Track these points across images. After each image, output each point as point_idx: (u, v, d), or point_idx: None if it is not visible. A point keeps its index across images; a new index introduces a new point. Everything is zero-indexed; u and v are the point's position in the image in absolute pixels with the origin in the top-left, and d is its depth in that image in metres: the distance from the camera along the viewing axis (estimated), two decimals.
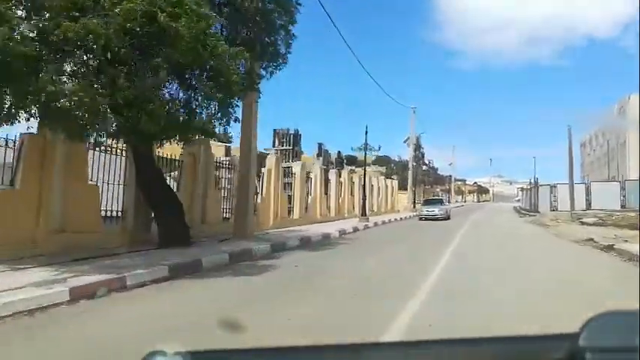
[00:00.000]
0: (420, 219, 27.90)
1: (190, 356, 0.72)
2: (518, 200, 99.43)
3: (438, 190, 77.30)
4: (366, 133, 27.36)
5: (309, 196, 21.89)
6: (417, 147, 71.04)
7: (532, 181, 45.08)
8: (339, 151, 48.14)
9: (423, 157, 70.45)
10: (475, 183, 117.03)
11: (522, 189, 65.49)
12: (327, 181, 24.64)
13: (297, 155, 35.65)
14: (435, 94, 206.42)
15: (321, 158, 37.14)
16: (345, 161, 43.81)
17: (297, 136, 39.48)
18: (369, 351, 0.84)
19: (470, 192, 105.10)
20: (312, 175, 22.25)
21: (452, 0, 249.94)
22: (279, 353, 0.87)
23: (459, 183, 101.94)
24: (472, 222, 25.90)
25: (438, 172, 73.89)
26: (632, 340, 0.67)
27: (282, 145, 37.50)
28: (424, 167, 70.00)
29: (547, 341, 0.76)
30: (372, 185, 33.22)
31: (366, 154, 29.91)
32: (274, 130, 39.43)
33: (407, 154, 66.53)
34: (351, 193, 28.85)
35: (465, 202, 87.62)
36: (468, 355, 0.77)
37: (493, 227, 22.70)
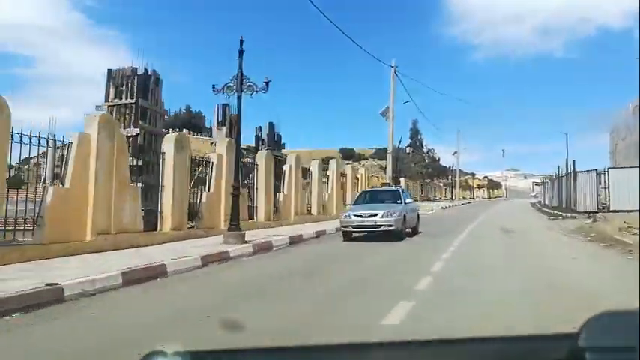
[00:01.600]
0: (346, 236, 13.93)
1: (190, 356, 0.73)
2: (535, 196, 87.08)
3: (440, 184, 65.26)
4: None
5: None
6: (415, 133, 59.24)
7: (559, 171, 32.61)
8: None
9: (421, 145, 58.57)
10: (485, 177, 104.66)
11: (542, 181, 53.13)
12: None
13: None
14: (445, 89, 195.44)
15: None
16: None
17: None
18: (369, 350, 0.86)
19: (479, 187, 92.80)
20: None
21: None
22: (279, 353, 0.88)
23: (467, 177, 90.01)
24: (463, 245, 12.23)
25: (441, 163, 61.91)
26: (631, 339, 0.67)
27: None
28: (426, 159, 58.08)
29: (547, 341, 0.77)
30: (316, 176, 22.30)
31: None
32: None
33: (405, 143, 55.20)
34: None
35: (473, 198, 75.60)
36: (468, 355, 0.77)
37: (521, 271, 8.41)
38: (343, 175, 27.47)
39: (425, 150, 58.24)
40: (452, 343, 0.80)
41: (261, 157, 18.22)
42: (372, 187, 24.79)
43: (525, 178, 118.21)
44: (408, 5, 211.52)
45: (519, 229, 16.56)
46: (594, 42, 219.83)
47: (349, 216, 13.87)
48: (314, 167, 21.92)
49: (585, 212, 22.10)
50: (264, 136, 21.61)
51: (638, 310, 0.70)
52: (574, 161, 26.12)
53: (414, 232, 15.09)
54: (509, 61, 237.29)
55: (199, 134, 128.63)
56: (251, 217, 16.84)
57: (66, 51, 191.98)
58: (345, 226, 13.80)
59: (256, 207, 17.47)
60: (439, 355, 0.78)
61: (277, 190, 19.16)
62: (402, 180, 46.49)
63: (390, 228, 13.19)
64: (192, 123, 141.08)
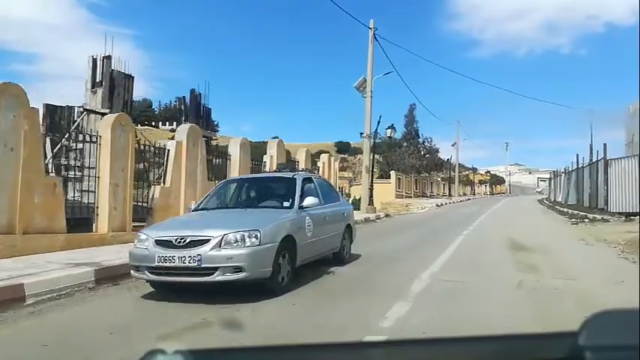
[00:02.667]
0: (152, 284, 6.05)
1: (190, 355, 0.71)
2: (541, 192, 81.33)
3: (438, 179, 59.55)
4: None
5: None
6: (411, 121, 53.64)
7: (578, 160, 26.17)
8: None
9: (417, 134, 52.82)
10: (488, 172, 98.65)
11: (551, 176, 47.39)
12: None
13: None
14: (449, 86, 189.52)
15: None
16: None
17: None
18: (368, 349, 0.83)
19: (481, 182, 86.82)
20: None
21: None
22: (278, 352, 0.87)
23: (468, 172, 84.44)
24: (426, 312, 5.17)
25: (440, 156, 56.09)
26: (632, 338, 0.67)
27: None
28: (422, 150, 52.35)
29: (547, 340, 0.77)
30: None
31: None
32: None
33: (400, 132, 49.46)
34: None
35: (474, 194, 69.74)
36: (468, 354, 0.77)
37: None
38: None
39: (421, 140, 52.30)
40: (452, 342, 0.79)
41: (183, 130, 12.65)
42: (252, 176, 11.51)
43: (530, 173, 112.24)
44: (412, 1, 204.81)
45: (539, 245, 10.19)
46: (601, 39, 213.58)
47: (145, 242, 5.87)
48: (234, 148, 14.79)
49: (622, 213, 16.37)
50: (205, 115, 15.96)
51: (638, 309, 0.70)
52: (605, 145, 20.01)
53: (340, 259, 8.21)
54: (514, 57, 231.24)
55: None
56: None
57: (69, 48, 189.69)
58: (136, 266, 5.92)
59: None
60: (439, 355, 0.76)
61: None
62: (393, 173, 40.92)
63: (236, 275, 5.47)
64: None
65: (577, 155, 25.93)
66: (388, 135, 21.73)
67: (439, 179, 59.65)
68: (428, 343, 0.84)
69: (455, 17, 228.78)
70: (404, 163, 47.62)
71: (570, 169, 30.03)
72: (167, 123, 65.02)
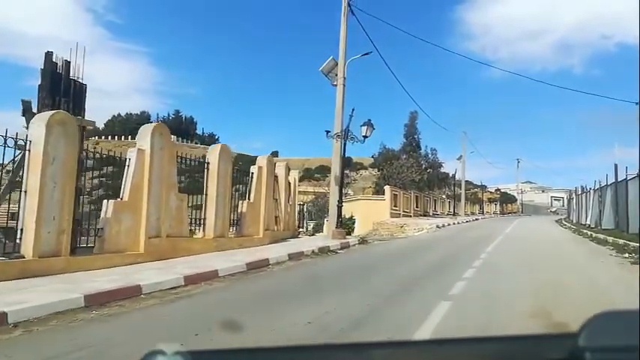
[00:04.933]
0: None
1: (190, 356, 0.71)
2: (556, 212, 75.29)
3: (443, 196, 53.55)
4: None
5: None
6: (411, 131, 48.23)
7: (616, 172, 19.52)
8: None
9: (418, 146, 47.26)
10: (498, 190, 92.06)
11: (571, 195, 41.37)
12: None
13: None
14: (462, 106, 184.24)
15: None
16: None
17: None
18: (371, 350, 0.82)
19: (491, 200, 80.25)
20: None
21: (481, 10, 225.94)
22: (279, 353, 0.86)
23: (477, 190, 78.39)
24: None
25: (444, 170, 50.28)
26: (631, 339, 0.66)
27: None
28: (423, 163, 46.76)
29: (547, 341, 0.78)
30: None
31: None
32: None
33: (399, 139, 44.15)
34: None
35: (482, 213, 63.38)
36: (468, 355, 0.76)
37: None
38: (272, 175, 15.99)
39: (422, 152, 46.51)
40: (453, 343, 0.79)
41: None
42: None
43: (543, 191, 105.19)
44: (423, 19, 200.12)
45: None
46: (615, 59, 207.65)
47: None
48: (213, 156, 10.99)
49: None
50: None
51: (638, 310, 0.69)
52: None
53: None
54: (527, 77, 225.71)
55: (188, 141, 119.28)
56: None
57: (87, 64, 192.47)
58: None
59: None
60: (439, 355, 0.76)
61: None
62: (387, 188, 35.22)
63: None
64: (182, 129, 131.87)
65: (615, 166, 19.96)
66: (363, 134, 16.03)
67: (444, 196, 53.57)
68: (429, 344, 0.87)
69: (468, 38, 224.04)
70: (402, 177, 41.92)
71: (602, 185, 24.04)
72: None
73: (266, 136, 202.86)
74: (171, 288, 7.29)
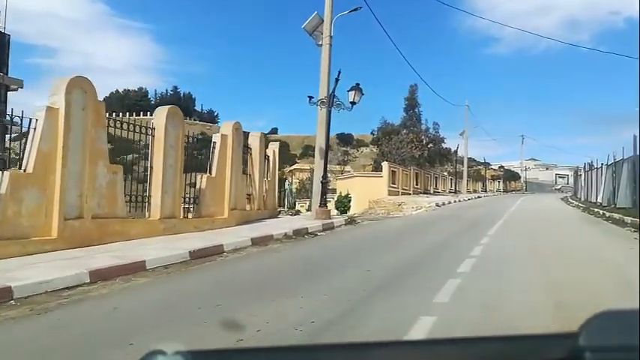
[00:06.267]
0: None
1: (190, 356, 0.70)
2: (561, 189, 73.45)
3: (444, 173, 51.51)
4: None
5: None
6: (412, 105, 46.08)
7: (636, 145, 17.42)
8: None
9: (419, 120, 45.16)
10: (501, 167, 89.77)
11: (578, 172, 39.34)
12: None
13: None
14: (466, 82, 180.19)
15: None
16: None
17: None
18: (369, 350, 0.81)
19: (494, 178, 78.07)
20: None
21: None
22: (279, 353, 0.84)
23: (480, 167, 76.26)
24: None
25: (445, 145, 48.10)
26: (632, 339, 0.66)
27: None
28: (424, 138, 44.72)
29: (547, 340, 0.76)
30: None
31: None
32: None
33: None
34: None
35: (485, 191, 61.39)
36: (468, 355, 0.75)
37: None
38: (247, 148, 13.86)
39: (424, 127, 44.31)
40: (452, 342, 0.77)
41: None
42: None
43: (547, 169, 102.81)
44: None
45: None
46: (623, 35, 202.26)
47: None
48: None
49: None
50: None
51: (638, 309, 0.69)
52: None
53: None
54: (532, 54, 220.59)
55: (188, 118, 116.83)
56: None
57: (88, 42, 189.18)
58: None
59: None
60: (439, 355, 0.75)
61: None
62: (385, 165, 33.31)
63: None
64: (181, 105, 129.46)
65: (635, 137, 17.82)
66: (351, 100, 13.97)
67: (445, 174, 51.54)
68: (428, 344, 0.84)
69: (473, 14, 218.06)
70: (402, 153, 39.93)
71: (616, 159, 21.97)
72: None
73: (267, 114, 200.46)
74: (65, 288, 5.44)
